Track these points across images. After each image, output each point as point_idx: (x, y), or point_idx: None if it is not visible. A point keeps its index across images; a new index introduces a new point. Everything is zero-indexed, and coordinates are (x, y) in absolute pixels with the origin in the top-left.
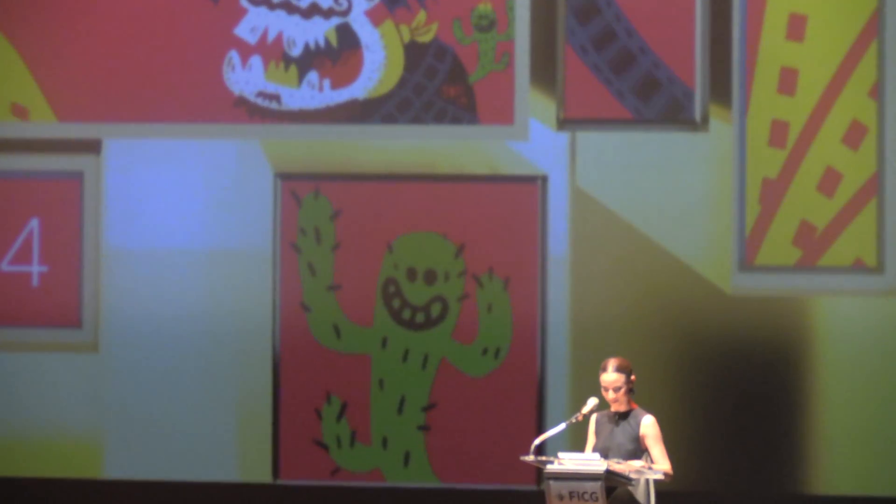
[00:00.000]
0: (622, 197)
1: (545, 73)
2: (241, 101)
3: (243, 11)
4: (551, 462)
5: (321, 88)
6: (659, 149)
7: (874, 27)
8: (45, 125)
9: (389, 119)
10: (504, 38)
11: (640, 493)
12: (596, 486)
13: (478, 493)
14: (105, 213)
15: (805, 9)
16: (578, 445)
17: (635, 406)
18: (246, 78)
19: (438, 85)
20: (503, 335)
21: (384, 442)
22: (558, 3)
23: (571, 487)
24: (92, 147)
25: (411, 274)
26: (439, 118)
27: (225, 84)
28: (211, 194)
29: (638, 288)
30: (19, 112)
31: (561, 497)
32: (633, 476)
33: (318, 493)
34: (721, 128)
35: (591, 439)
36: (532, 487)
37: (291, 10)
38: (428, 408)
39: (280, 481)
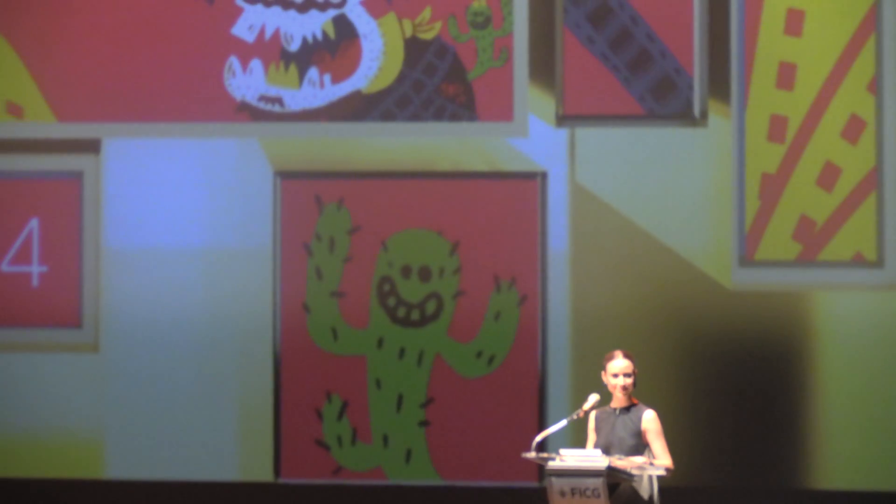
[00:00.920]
0: (622, 193)
1: (544, 69)
2: (244, 107)
3: (239, 10)
4: (553, 459)
5: (322, 85)
6: (658, 144)
7: (872, 21)
8: (44, 125)
9: (388, 116)
10: (501, 34)
11: (643, 489)
12: (598, 483)
13: (479, 490)
14: (105, 212)
15: (803, 3)
16: (580, 442)
17: (636, 402)
18: (247, 83)
19: (438, 82)
20: (502, 346)
21: (385, 440)
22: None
23: (573, 484)
24: (91, 147)
25: (406, 271)
26: (438, 115)
27: (227, 90)
28: (211, 193)
29: (638, 283)
30: (14, 110)
31: (563, 494)
32: (635, 472)
33: (319, 491)
34: (720, 123)
35: (592, 436)
36: (534, 484)
37: (287, 5)
38: (426, 404)
39: (281, 480)
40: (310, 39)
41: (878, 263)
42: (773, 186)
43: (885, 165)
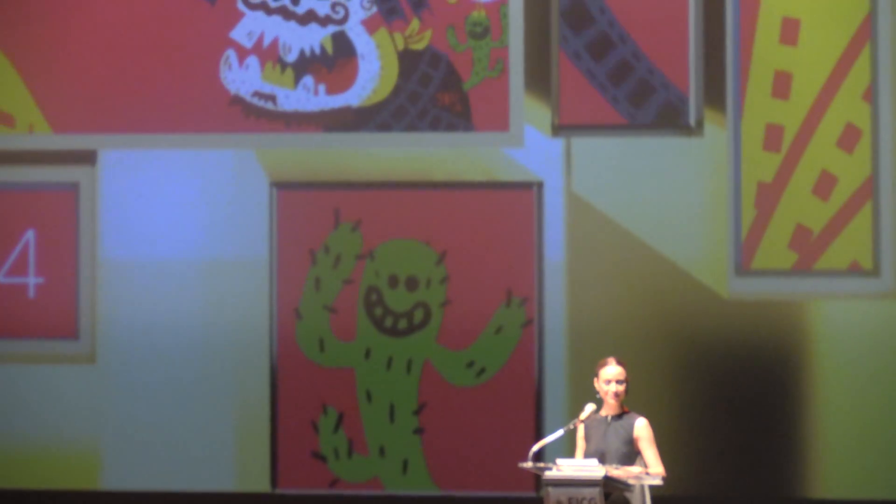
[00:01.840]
0: (618, 202)
1: (539, 79)
2: (237, 100)
3: (240, 15)
4: (550, 468)
5: (316, 92)
6: (654, 154)
7: (867, 30)
8: (40, 137)
9: (384, 127)
10: (498, 44)
11: (635, 498)
12: (594, 493)
13: (476, 499)
14: (101, 223)
15: (798, 13)
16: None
17: (627, 410)
18: (242, 77)
19: (433, 92)
20: (495, 361)
21: (381, 450)
22: (552, 10)
23: (570, 493)
24: (87, 158)
25: (393, 281)
26: (434, 126)
27: (221, 83)
28: (207, 204)
29: (635, 293)
30: (7, 121)
31: (560, 503)
32: (631, 482)
33: (316, 501)
34: (716, 132)
35: (581, 444)
36: (531, 494)
37: (288, 15)
38: (418, 410)
39: (278, 490)
40: (307, 52)
41: (875, 272)
42: (769, 195)
43: (881, 174)
